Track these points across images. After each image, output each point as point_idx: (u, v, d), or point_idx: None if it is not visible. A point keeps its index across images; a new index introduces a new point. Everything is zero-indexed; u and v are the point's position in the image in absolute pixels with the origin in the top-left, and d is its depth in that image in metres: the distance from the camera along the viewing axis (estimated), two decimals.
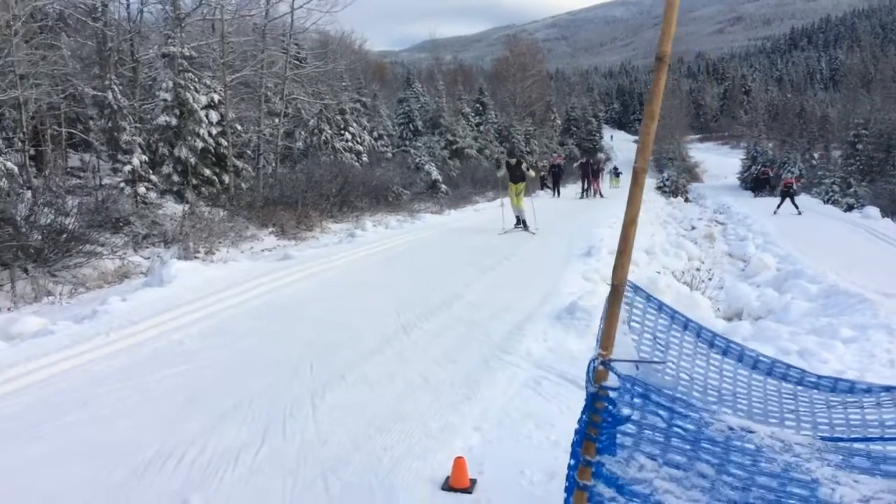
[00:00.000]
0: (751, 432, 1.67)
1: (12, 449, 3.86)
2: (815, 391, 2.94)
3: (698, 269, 11.95)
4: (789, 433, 1.80)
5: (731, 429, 1.67)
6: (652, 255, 12.86)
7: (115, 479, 3.50)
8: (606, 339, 1.84)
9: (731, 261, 14.38)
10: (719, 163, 62.34)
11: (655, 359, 2.05)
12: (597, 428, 1.85)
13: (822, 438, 2.33)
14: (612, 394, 1.82)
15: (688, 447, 1.73)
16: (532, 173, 14.72)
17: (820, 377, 2.95)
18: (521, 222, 14.29)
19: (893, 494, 1.54)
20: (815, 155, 46.36)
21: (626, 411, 1.86)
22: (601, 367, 1.82)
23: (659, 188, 37.96)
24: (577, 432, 1.91)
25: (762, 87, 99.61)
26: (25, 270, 9.00)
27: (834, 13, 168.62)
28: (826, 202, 31.27)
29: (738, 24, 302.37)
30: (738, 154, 59.29)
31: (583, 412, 1.91)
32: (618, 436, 1.87)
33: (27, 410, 4.40)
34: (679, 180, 38.90)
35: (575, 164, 33.34)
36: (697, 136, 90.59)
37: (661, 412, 1.76)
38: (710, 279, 11.02)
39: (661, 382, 2.98)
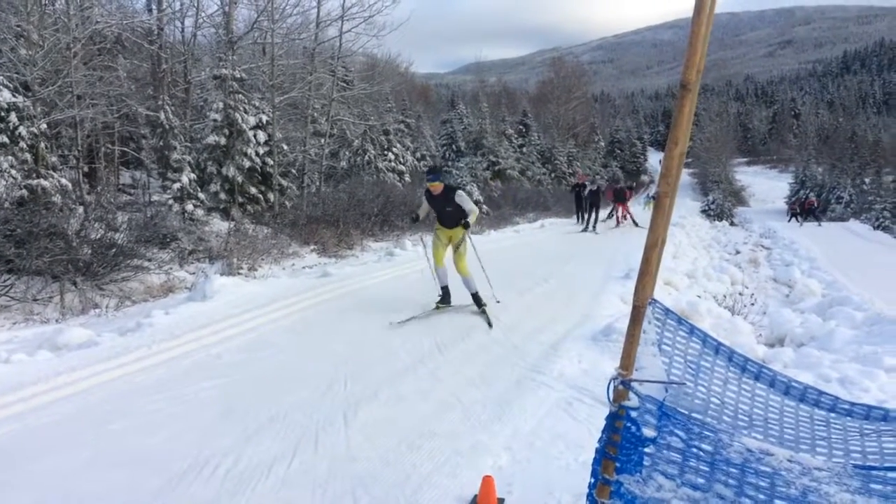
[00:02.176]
0: (769, 455, 1.66)
1: (57, 454, 4.00)
2: (849, 418, 2.88)
3: (741, 294, 11.75)
4: (807, 457, 1.78)
5: (749, 451, 1.67)
6: (693, 279, 12.72)
7: (152, 487, 3.60)
8: (626, 358, 1.85)
9: (776, 286, 14.13)
10: (767, 187, 61.28)
11: (681, 381, 2.05)
12: (616, 447, 1.86)
13: (855, 467, 2.30)
14: (633, 413, 1.83)
15: (706, 468, 1.73)
16: (475, 210, 7.78)
17: (853, 404, 2.90)
18: (475, 300, 7.93)
19: None
20: (867, 180, 45.22)
21: (649, 433, 1.87)
22: (621, 387, 1.84)
23: (703, 212, 37.40)
24: (597, 451, 1.92)
25: (812, 110, 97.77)
26: (74, 283, 9.28)
27: (889, 36, 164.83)
28: (876, 228, 30.51)
29: (789, 47, 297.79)
30: (787, 178, 58.24)
31: (603, 431, 1.92)
32: (638, 455, 1.87)
33: (72, 418, 4.54)
34: (724, 204, 38.25)
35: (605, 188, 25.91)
36: (745, 159, 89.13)
37: (678, 432, 1.77)
38: (752, 304, 10.83)
39: (692, 406, 2.97)
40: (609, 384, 1.88)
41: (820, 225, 29.76)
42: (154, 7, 17.91)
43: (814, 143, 63.28)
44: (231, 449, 4.07)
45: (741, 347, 7.29)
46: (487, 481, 3.52)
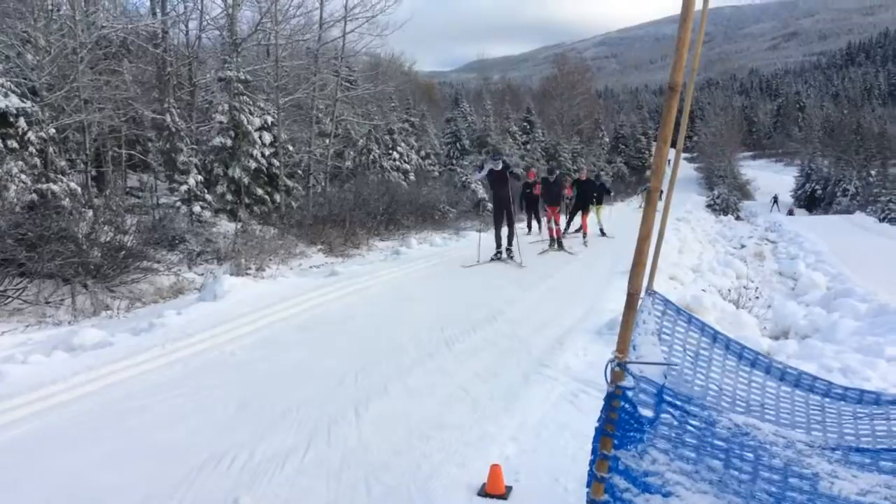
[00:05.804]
0: (756, 429, 1.77)
1: (77, 450, 4.12)
2: (842, 402, 2.99)
3: (746, 288, 11.83)
4: (791, 431, 1.89)
5: (737, 425, 1.78)
6: (699, 273, 12.81)
7: (172, 479, 3.72)
8: (622, 342, 1.97)
9: (781, 279, 14.21)
10: (772, 180, 61.19)
11: (671, 362, 2.16)
12: (613, 425, 1.97)
13: (850, 449, 2.40)
14: (629, 394, 1.94)
15: (697, 443, 1.84)
16: None
17: (846, 389, 3.01)
18: None
19: (888, 488, 1.62)
20: (872, 172, 45.21)
21: (645, 412, 1.98)
22: (617, 369, 1.95)
23: (709, 206, 37.46)
24: (596, 429, 2.04)
25: (817, 103, 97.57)
26: (85, 286, 9.42)
27: (894, 27, 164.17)
28: (882, 220, 30.52)
29: (793, 39, 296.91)
30: (792, 171, 58.24)
31: (602, 411, 2.04)
32: (633, 432, 1.99)
33: (90, 416, 4.67)
34: (730, 198, 38.30)
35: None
36: (750, 153, 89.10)
37: (671, 410, 1.88)
38: (757, 297, 10.92)
39: (690, 392, 3.08)
40: (606, 366, 2.01)
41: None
42: (158, 11, 18.08)
43: (819, 135, 63.09)
44: (246, 442, 4.19)
45: (745, 340, 7.35)
46: (495, 469, 3.64)
